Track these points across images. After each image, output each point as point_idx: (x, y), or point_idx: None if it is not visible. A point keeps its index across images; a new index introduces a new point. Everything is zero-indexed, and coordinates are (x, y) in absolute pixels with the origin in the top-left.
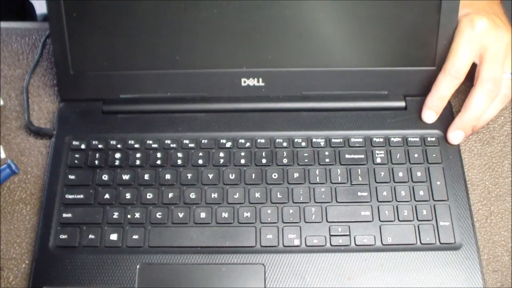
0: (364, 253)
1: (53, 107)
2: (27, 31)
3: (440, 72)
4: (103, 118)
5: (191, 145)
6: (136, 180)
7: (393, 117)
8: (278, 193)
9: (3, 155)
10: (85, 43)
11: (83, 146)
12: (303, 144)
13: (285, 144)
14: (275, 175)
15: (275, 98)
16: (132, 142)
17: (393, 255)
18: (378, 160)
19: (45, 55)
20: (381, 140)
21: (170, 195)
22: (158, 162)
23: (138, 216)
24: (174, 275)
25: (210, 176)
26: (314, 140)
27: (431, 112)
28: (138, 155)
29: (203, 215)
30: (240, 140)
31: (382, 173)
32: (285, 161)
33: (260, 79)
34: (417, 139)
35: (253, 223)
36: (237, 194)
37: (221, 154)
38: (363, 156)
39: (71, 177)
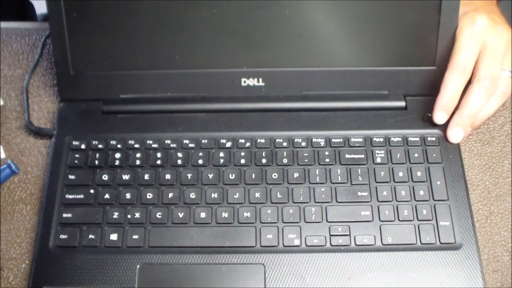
0: (364, 253)
1: (53, 107)
2: (27, 31)
3: (447, 71)
4: (103, 118)
5: (191, 145)
6: (136, 180)
7: (393, 117)
8: (278, 193)
9: (3, 155)
10: (85, 43)
11: (83, 146)
12: (303, 144)
13: (285, 144)
14: (275, 175)
15: (275, 98)
16: (132, 142)
17: (393, 255)
18: (378, 160)
19: (45, 55)
20: (381, 140)
21: (170, 195)
22: (158, 162)
23: (138, 216)
24: (174, 275)
25: (210, 176)
26: (314, 140)
27: (442, 113)
28: (138, 155)
29: (203, 215)
30: (240, 140)
31: (382, 173)
32: (285, 161)
33: (260, 79)
34: (417, 139)
35: (253, 223)
36: (237, 194)
37: (221, 154)
38: (363, 156)
39: (71, 177)
